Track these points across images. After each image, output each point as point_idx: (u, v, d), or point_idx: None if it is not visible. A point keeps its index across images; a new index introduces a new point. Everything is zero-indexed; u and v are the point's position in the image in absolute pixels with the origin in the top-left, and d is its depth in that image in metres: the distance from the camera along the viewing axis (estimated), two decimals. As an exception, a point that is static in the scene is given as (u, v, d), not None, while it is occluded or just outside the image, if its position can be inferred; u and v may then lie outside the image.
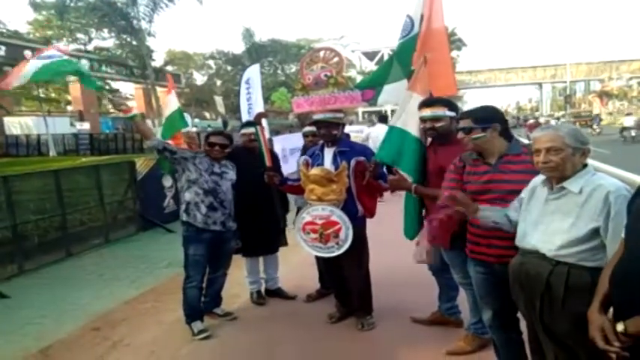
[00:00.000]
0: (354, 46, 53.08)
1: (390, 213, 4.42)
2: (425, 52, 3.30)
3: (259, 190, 4.01)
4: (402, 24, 3.64)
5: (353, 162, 3.53)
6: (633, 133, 21.35)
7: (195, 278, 3.78)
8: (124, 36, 32.40)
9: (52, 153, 22.76)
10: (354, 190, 3.58)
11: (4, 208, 5.71)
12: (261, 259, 4.50)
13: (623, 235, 1.72)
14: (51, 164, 12.22)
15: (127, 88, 39.02)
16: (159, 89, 31.72)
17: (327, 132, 3.60)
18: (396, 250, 4.83)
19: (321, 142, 3.78)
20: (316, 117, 3.62)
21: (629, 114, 26.32)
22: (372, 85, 3.82)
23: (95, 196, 7.15)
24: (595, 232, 1.92)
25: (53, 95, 38.44)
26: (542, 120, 34.27)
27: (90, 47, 38.46)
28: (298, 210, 4.32)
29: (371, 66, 49.52)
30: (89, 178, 7.25)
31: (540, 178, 2.15)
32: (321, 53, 3.69)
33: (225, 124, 25.46)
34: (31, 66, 3.72)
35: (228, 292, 4.37)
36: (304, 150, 4.34)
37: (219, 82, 50.18)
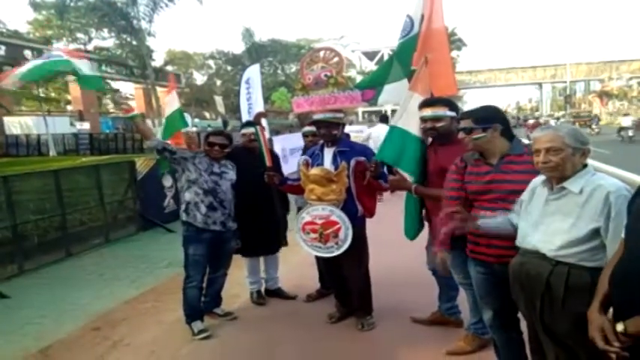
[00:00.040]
0: (354, 46, 53.17)
1: (389, 213, 4.43)
2: (425, 52, 3.30)
3: (259, 190, 4.01)
4: (402, 24, 3.64)
5: (353, 162, 3.53)
6: (630, 133, 21.68)
7: (196, 278, 3.78)
8: (124, 36, 32.40)
9: (52, 153, 22.75)
10: (353, 190, 3.58)
11: (4, 208, 5.71)
12: (261, 259, 4.50)
13: (623, 235, 1.72)
14: (51, 164, 12.20)
15: (127, 88, 39.05)
16: (159, 89, 31.71)
17: (327, 132, 3.60)
18: (395, 250, 4.85)
19: (320, 142, 3.78)
20: (316, 117, 3.62)
21: (626, 114, 26.82)
22: (372, 85, 3.82)
23: (95, 196, 7.15)
24: (595, 233, 1.91)
25: (53, 95, 38.45)
26: (542, 120, 34.34)
27: (90, 47, 38.48)
28: (299, 210, 4.32)
29: (371, 66, 49.56)
30: (89, 178, 7.25)
31: (540, 178, 2.15)
32: (321, 53, 3.69)
33: (225, 123, 25.47)
34: (25, 65, 3.73)
35: (229, 292, 4.37)
36: (305, 150, 4.34)
37: (219, 82, 50.21)
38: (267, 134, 4.53)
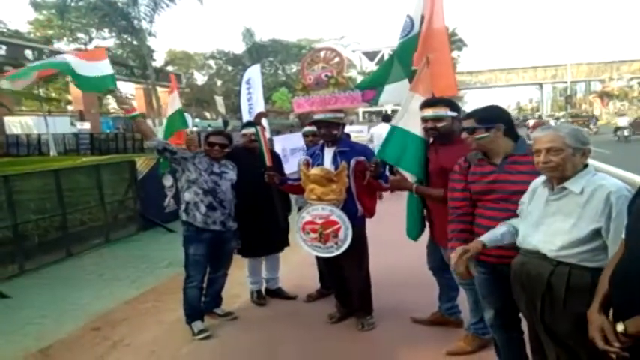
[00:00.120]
0: (355, 46, 53.25)
1: (390, 212, 4.43)
2: (426, 53, 3.30)
3: (260, 191, 4.01)
4: (402, 24, 3.64)
5: (353, 162, 3.54)
6: (626, 132, 22.31)
7: (196, 278, 3.78)
8: (125, 36, 32.43)
9: (53, 153, 22.78)
10: (353, 190, 3.58)
11: (5, 208, 5.71)
12: (263, 259, 4.49)
13: (623, 235, 1.72)
14: (51, 164, 12.22)
15: (128, 88, 39.04)
16: (159, 89, 31.74)
17: (327, 132, 3.60)
18: (396, 250, 4.85)
19: (321, 142, 3.78)
20: (317, 117, 3.62)
21: (622, 114, 27.34)
22: (373, 85, 3.82)
23: (96, 196, 7.15)
24: (596, 233, 1.91)
25: (54, 95, 38.49)
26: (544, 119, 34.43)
27: (91, 47, 38.48)
28: (299, 210, 4.32)
29: (371, 66, 49.60)
30: (90, 178, 7.25)
31: (541, 179, 2.15)
32: (322, 53, 3.69)
33: (225, 124, 25.48)
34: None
35: (229, 292, 4.37)
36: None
37: (219, 82, 50.25)
38: (267, 134, 4.52)
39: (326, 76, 3.55)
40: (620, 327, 1.58)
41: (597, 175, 2.01)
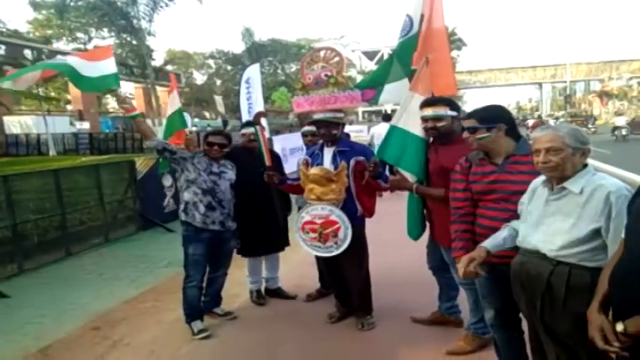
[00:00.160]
0: (355, 45, 53.24)
1: (389, 212, 4.43)
2: (426, 52, 3.30)
3: (259, 190, 4.00)
4: (402, 23, 3.64)
5: (352, 162, 3.53)
6: (624, 132, 22.62)
7: (195, 278, 3.78)
8: (124, 35, 32.40)
9: (52, 152, 22.75)
10: (353, 190, 3.58)
11: (4, 208, 5.70)
12: (263, 259, 4.49)
13: (623, 235, 1.72)
14: (51, 163, 12.21)
15: (127, 88, 39.04)
16: (159, 89, 31.71)
17: (326, 132, 3.60)
18: (395, 250, 4.85)
19: (320, 141, 3.78)
20: (316, 117, 3.62)
21: (620, 114, 27.79)
22: (373, 84, 3.82)
23: (95, 196, 7.14)
24: (596, 233, 1.91)
25: (53, 94, 38.46)
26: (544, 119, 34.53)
27: (90, 46, 38.45)
28: (299, 210, 4.32)
29: (371, 66, 49.60)
30: (89, 178, 7.24)
31: (541, 178, 2.15)
32: (322, 53, 3.69)
33: (225, 123, 25.46)
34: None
35: (229, 292, 4.37)
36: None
37: (219, 82, 50.24)
38: (267, 134, 4.52)
39: (325, 75, 3.55)
40: (619, 327, 1.58)
41: (597, 175, 2.01)
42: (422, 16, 3.47)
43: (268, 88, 38.95)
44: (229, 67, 48.78)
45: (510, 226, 2.28)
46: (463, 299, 3.39)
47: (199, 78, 52.97)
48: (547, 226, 2.05)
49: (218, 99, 27.31)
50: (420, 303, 3.89)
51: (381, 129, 9.57)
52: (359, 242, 3.63)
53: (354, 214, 3.56)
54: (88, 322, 4.18)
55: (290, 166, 4.95)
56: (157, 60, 40.52)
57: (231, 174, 3.90)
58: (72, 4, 31.41)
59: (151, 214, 7.82)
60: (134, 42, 31.98)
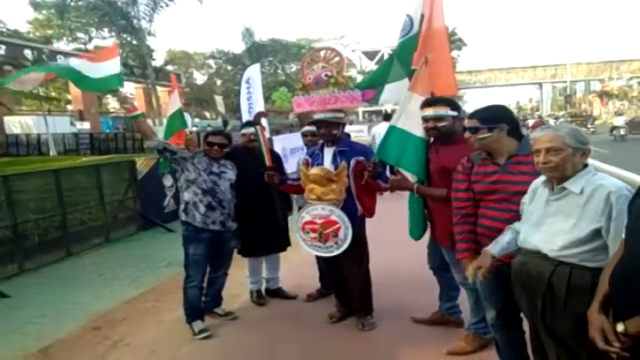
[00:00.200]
0: (355, 45, 53.23)
1: (390, 212, 4.43)
2: (426, 52, 3.30)
3: (259, 190, 4.00)
4: (402, 23, 3.64)
5: (353, 162, 3.53)
6: (622, 132, 22.98)
7: (196, 278, 3.78)
8: (125, 35, 32.37)
9: (53, 152, 22.76)
10: (353, 190, 3.58)
11: (5, 208, 5.71)
12: (263, 259, 4.49)
13: (623, 235, 1.72)
14: (51, 164, 12.22)
15: (127, 88, 39.07)
16: (159, 89, 31.72)
17: (327, 132, 3.60)
18: (396, 250, 4.85)
19: (320, 141, 3.78)
20: (316, 117, 3.62)
21: (619, 114, 28.20)
22: (373, 84, 3.82)
23: (95, 196, 7.15)
24: (597, 233, 1.91)
25: (53, 94, 38.49)
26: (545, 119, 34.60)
27: (90, 46, 38.47)
28: (299, 210, 4.32)
29: (371, 66, 49.58)
30: (89, 178, 7.25)
31: (541, 179, 2.15)
32: (322, 53, 3.69)
33: (225, 123, 25.48)
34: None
35: (229, 292, 4.37)
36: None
37: (219, 82, 50.25)
38: (267, 134, 4.52)
39: (326, 75, 3.55)
40: (620, 327, 1.58)
41: (597, 175, 2.01)
42: (422, 16, 3.46)
43: (269, 88, 38.95)
44: (230, 67, 48.80)
45: (513, 228, 2.28)
46: (464, 299, 3.39)
47: (200, 78, 53.04)
48: (548, 226, 2.05)
49: (218, 99, 27.34)
50: (421, 303, 3.89)
51: (382, 129, 9.55)
52: (359, 242, 3.63)
53: (355, 214, 3.56)
54: (88, 322, 4.18)
55: (290, 166, 4.95)
56: (158, 60, 40.59)
57: (231, 174, 3.90)
58: (72, 4, 31.42)
59: (151, 214, 7.83)
60: (134, 42, 31.97)
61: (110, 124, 35.66)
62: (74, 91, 30.90)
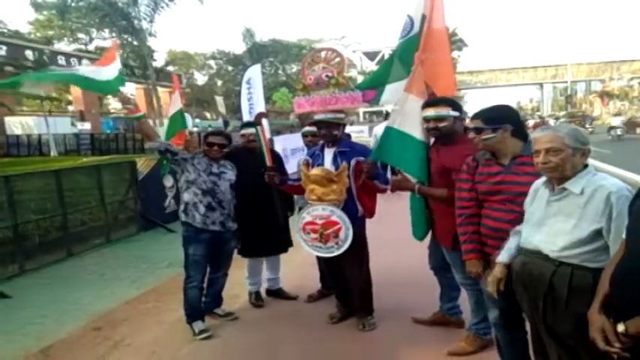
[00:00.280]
0: (355, 46, 53.29)
1: (390, 212, 4.43)
2: (427, 53, 3.29)
3: (260, 191, 4.00)
4: (403, 24, 3.64)
5: (353, 162, 3.53)
6: (619, 132, 23.53)
7: (196, 278, 3.78)
8: (125, 36, 32.39)
9: (53, 153, 22.77)
10: (354, 191, 3.58)
11: (6, 208, 5.71)
12: (264, 260, 4.49)
13: (624, 235, 1.71)
14: (52, 164, 12.21)
15: (128, 88, 39.10)
16: (160, 89, 31.72)
17: (327, 132, 3.60)
18: (396, 250, 4.85)
19: (321, 142, 3.78)
20: (317, 117, 3.62)
21: (617, 114, 28.59)
22: (374, 85, 3.81)
23: (96, 196, 7.16)
24: (598, 234, 1.91)
25: (54, 95, 38.54)
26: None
27: (91, 47, 38.51)
28: (299, 210, 4.32)
29: (372, 66, 49.60)
30: (90, 178, 7.26)
31: (542, 179, 2.15)
32: (323, 53, 3.69)
33: (226, 124, 25.51)
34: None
35: (229, 293, 4.37)
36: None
37: (220, 82, 50.26)
38: (267, 134, 4.52)
39: (326, 76, 3.55)
40: (620, 327, 1.58)
41: (597, 175, 2.00)
42: (423, 16, 3.46)
43: (269, 89, 38.98)
44: (230, 68, 48.81)
45: (518, 232, 2.27)
46: (464, 300, 3.39)
47: (200, 79, 53.04)
48: (549, 226, 2.05)
49: (219, 99, 27.36)
50: (421, 303, 3.89)
51: (382, 130, 9.55)
52: (360, 242, 3.63)
53: (355, 215, 3.56)
54: (89, 323, 4.19)
55: (291, 167, 4.95)
56: (158, 61, 40.58)
57: (231, 174, 3.90)
58: (73, 4, 31.43)
59: (152, 214, 7.83)
60: (135, 43, 32.00)
61: (111, 124, 35.66)
62: (75, 92, 30.95)
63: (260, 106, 5.52)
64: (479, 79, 61.97)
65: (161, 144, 3.83)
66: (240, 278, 4.53)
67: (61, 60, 27.75)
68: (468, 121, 3.25)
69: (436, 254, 3.47)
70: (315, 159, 3.68)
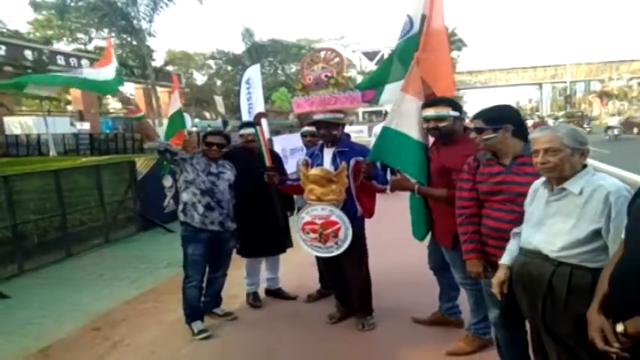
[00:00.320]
0: (355, 46, 53.32)
1: (389, 212, 4.43)
2: (426, 53, 3.29)
3: (259, 191, 4.00)
4: (402, 24, 3.63)
5: (352, 162, 3.53)
6: (616, 131, 24.00)
7: (195, 278, 3.78)
8: (125, 36, 32.38)
9: (52, 153, 22.79)
10: (353, 191, 3.58)
11: (5, 208, 5.71)
12: (263, 260, 4.49)
13: (623, 235, 1.71)
14: (51, 164, 12.23)
15: (127, 88, 39.09)
16: (159, 89, 31.71)
17: (327, 132, 3.60)
18: (396, 250, 4.86)
19: (320, 142, 3.78)
20: (316, 117, 3.62)
21: (614, 115, 28.67)
22: (373, 85, 3.81)
23: (95, 196, 7.15)
24: (596, 234, 1.91)
25: (54, 95, 38.47)
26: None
27: (90, 47, 38.50)
28: (299, 210, 4.32)
29: (371, 66, 49.61)
30: (89, 178, 7.25)
31: (541, 179, 2.15)
32: (322, 53, 3.69)
33: (225, 124, 25.51)
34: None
35: (228, 293, 4.37)
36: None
37: (219, 82, 50.26)
38: (267, 134, 4.52)
39: (326, 76, 3.55)
40: (619, 327, 1.58)
41: (596, 175, 2.00)
42: (423, 16, 3.45)
43: (268, 89, 38.96)
44: (229, 68, 48.80)
45: (519, 233, 2.27)
46: (463, 300, 3.39)
47: (199, 78, 53.05)
48: (548, 226, 2.05)
49: (218, 99, 27.36)
50: (421, 303, 3.89)
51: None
52: (359, 242, 3.63)
53: (354, 215, 3.56)
54: (88, 323, 4.18)
55: (290, 167, 4.96)
56: (158, 60, 40.55)
57: (229, 174, 3.90)
58: (72, 4, 31.41)
59: (151, 214, 7.83)
60: (134, 42, 31.97)
61: (110, 124, 35.68)
62: (74, 92, 30.92)
63: (259, 106, 5.52)
64: (478, 79, 62.01)
65: (161, 144, 3.83)
66: (239, 278, 4.53)
67: (60, 60, 27.77)
68: (467, 121, 3.25)
69: (435, 254, 3.48)
70: (315, 159, 3.68)
